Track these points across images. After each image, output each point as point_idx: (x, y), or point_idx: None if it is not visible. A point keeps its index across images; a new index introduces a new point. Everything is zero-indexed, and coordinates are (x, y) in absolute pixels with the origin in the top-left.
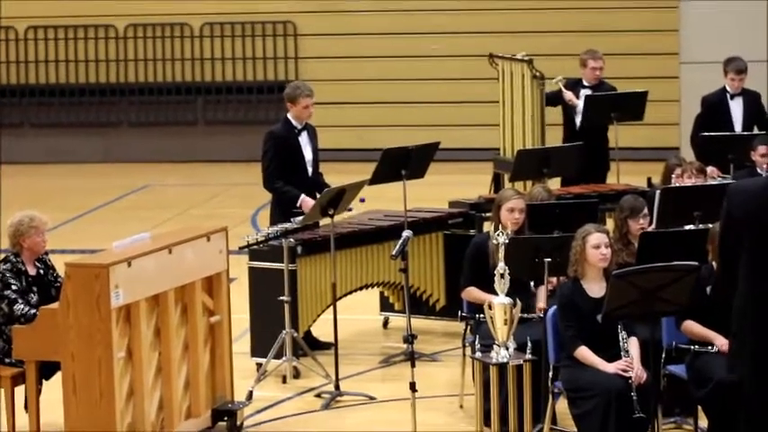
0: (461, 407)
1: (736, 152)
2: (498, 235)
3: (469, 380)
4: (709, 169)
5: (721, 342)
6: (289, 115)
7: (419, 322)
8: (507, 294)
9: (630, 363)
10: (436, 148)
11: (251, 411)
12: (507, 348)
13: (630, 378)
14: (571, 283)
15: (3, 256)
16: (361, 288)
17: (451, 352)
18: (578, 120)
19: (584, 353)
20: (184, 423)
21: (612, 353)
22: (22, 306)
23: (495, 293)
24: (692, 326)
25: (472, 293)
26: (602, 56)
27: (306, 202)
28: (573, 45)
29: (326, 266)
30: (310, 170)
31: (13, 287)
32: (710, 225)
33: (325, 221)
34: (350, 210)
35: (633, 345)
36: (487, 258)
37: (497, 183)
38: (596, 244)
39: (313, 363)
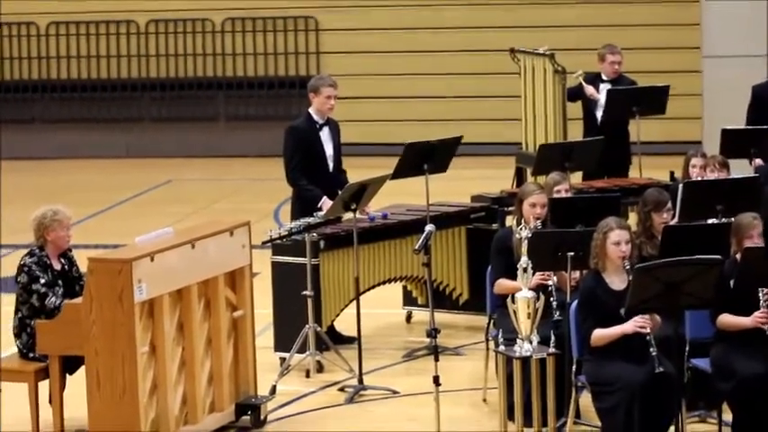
0: (485, 400)
1: (759, 146)
2: (521, 229)
3: (493, 374)
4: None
5: (750, 321)
6: (311, 109)
7: (442, 316)
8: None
9: (647, 319)
10: (459, 142)
11: (274, 405)
12: (531, 342)
13: (649, 335)
14: (593, 276)
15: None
16: (384, 282)
17: (475, 346)
18: (599, 114)
19: (601, 332)
20: (208, 417)
21: (635, 345)
22: (54, 299)
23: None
24: (726, 318)
25: (502, 285)
26: (620, 50)
27: (327, 204)
28: (595, 39)
29: (349, 261)
30: (331, 165)
31: (42, 280)
32: (733, 219)
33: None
34: (371, 219)
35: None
36: (512, 252)
37: (520, 177)
38: (617, 241)
39: (336, 357)
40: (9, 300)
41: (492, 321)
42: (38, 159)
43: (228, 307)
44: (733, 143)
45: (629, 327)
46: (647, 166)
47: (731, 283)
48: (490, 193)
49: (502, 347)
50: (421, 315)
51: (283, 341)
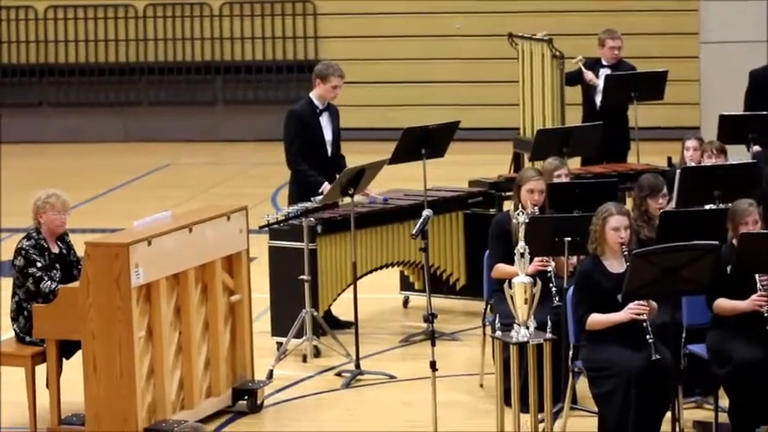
0: (482, 386)
1: (757, 131)
2: (518, 214)
3: (490, 359)
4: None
5: (748, 304)
6: (312, 94)
7: (439, 301)
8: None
9: (642, 305)
10: (456, 127)
11: (271, 390)
12: (527, 327)
13: (645, 322)
14: (591, 260)
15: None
16: (381, 267)
17: (472, 331)
18: (598, 99)
19: (596, 318)
20: (205, 402)
21: (631, 330)
22: (49, 283)
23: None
24: (723, 303)
25: (500, 270)
26: (620, 35)
27: (328, 188)
28: (593, 25)
29: (347, 245)
30: (330, 150)
31: (38, 264)
32: (730, 204)
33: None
34: (370, 198)
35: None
36: (510, 236)
37: (517, 162)
38: (615, 226)
39: (333, 342)
40: (7, 284)
41: (489, 306)
42: (35, 143)
43: (225, 291)
44: (731, 129)
45: (624, 315)
46: (645, 152)
47: (728, 268)
48: (488, 177)
49: (499, 333)
50: (418, 300)
51: (280, 326)
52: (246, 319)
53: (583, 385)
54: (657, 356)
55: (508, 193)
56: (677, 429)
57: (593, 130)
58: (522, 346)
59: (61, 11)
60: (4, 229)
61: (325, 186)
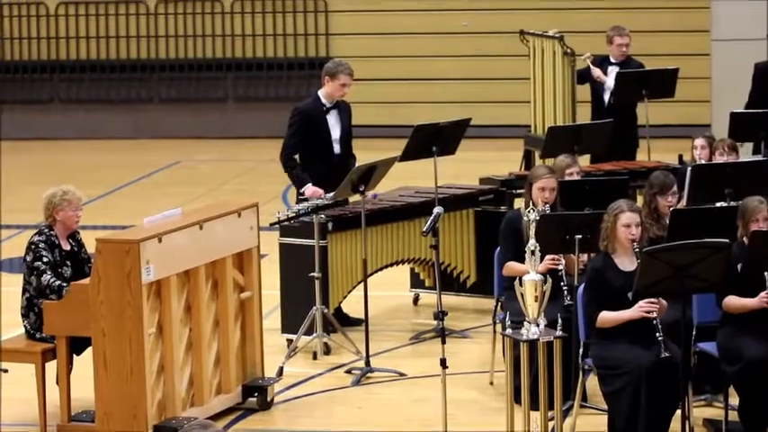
0: (492, 383)
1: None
2: (529, 212)
3: (500, 356)
4: None
5: (756, 302)
6: (320, 92)
7: (450, 299)
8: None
9: (653, 302)
10: (467, 124)
11: (281, 387)
12: (538, 325)
13: (656, 319)
14: (602, 258)
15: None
16: (391, 264)
17: (482, 328)
18: (606, 97)
19: (606, 315)
20: (215, 399)
21: (641, 328)
22: (48, 277)
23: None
24: (732, 300)
25: (511, 267)
26: (628, 32)
27: (309, 189)
28: (604, 22)
29: (357, 243)
30: (337, 148)
31: (45, 259)
32: (741, 202)
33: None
34: (374, 196)
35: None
36: (522, 234)
37: (528, 160)
38: (627, 223)
39: (343, 339)
40: (8, 280)
41: (499, 304)
42: (45, 140)
43: (236, 288)
44: (742, 126)
45: (635, 312)
46: (655, 150)
47: (738, 266)
48: (498, 175)
49: (509, 330)
50: (428, 297)
51: (291, 323)
52: (257, 316)
53: (593, 383)
54: (667, 354)
55: (519, 191)
56: (687, 427)
57: (604, 127)
58: (532, 344)
59: (72, 7)
60: (17, 225)
61: (308, 187)
